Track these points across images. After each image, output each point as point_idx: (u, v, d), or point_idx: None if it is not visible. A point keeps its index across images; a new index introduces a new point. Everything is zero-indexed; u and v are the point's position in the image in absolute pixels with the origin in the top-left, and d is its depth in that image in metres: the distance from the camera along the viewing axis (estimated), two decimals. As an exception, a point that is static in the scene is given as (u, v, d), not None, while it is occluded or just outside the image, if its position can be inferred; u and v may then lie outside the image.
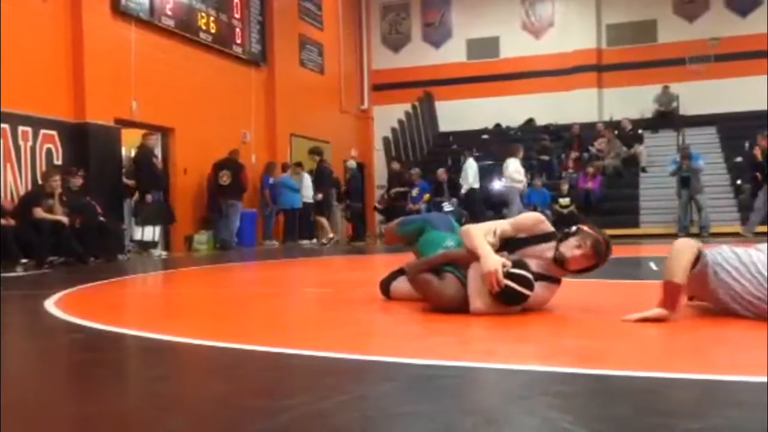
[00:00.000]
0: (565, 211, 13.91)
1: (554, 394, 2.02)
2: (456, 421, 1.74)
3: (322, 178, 13.97)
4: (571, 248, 3.35)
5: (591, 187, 14.47)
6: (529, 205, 13.40)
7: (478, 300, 3.35)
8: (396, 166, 15.60)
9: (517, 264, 3.30)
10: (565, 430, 1.64)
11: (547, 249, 3.46)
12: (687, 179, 13.29)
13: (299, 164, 14.01)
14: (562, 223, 12.96)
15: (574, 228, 3.42)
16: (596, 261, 3.37)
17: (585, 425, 1.66)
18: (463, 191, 14.43)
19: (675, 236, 13.07)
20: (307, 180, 13.87)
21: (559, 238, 3.44)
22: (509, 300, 3.29)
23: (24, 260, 8.00)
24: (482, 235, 3.44)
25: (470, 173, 14.45)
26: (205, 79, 12.45)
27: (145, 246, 10.55)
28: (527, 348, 2.74)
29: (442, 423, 1.73)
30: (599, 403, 1.91)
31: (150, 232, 10.67)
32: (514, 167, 12.38)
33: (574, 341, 2.82)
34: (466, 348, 2.74)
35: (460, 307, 3.38)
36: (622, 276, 5.50)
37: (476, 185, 14.45)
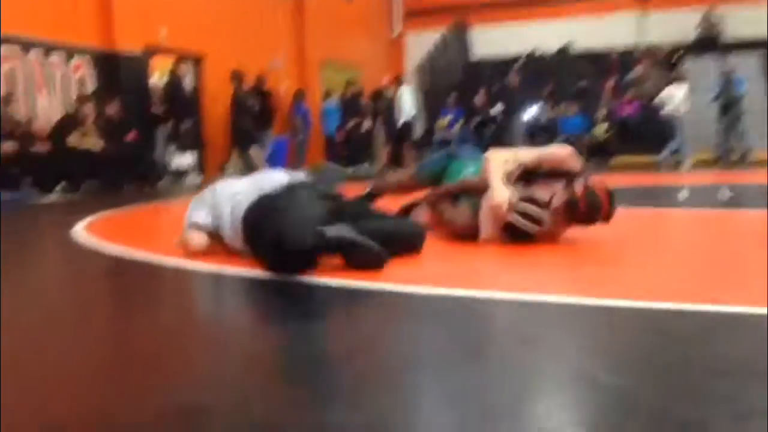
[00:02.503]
0: (602, 138, 13.63)
1: (565, 325, 2.01)
2: (450, 347, 1.74)
3: (239, 108, 11.20)
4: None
5: (628, 114, 14.11)
6: (562, 134, 13.13)
7: (487, 229, 3.32)
8: (353, 89, 13.60)
9: (526, 198, 3.23)
10: (577, 360, 1.63)
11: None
12: (728, 105, 12.88)
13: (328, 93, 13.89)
14: (598, 152, 12.86)
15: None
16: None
17: (600, 355, 1.65)
18: (398, 125, 13.22)
19: (716, 162, 12.83)
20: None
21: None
22: (516, 234, 3.25)
23: (58, 186, 8.15)
24: (501, 162, 3.33)
25: (405, 103, 13.33)
26: (235, 4, 12.27)
27: (180, 173, 10.62)
28: (536, 277, 2.72)
29: (438, 346, 1.73)
30: (611, 333, 1.89)
31: (185, 159, 10.72)
32: (683, 95, 11.39)
33: (586, 270, 2.78)
34: (471, 277, 2.72)
35: (472, 234, 3.36)
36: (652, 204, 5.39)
37: (412, 116, 13.37)
